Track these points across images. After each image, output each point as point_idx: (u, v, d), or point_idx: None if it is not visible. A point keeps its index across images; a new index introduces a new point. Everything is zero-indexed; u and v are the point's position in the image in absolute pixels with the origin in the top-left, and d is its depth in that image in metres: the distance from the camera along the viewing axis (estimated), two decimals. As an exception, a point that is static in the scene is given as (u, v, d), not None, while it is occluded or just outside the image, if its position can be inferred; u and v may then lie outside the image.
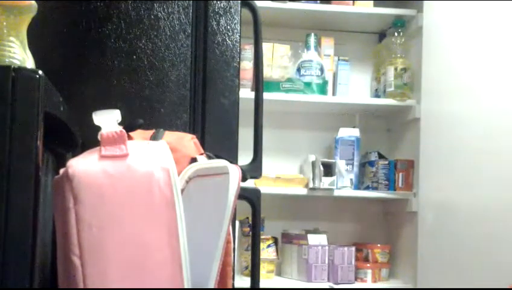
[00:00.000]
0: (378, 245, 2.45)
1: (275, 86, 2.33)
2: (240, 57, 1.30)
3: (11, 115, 0.71)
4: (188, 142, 1.00)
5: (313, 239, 2.30)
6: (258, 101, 1.34)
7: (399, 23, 2.45)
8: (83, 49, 1.23)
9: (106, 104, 0.96)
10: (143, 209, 0.77)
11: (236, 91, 1.28)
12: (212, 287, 0.83)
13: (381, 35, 2.59)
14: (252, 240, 1.30)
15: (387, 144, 2.62)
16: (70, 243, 0.74)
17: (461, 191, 1.99)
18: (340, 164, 2.38)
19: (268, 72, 2.35)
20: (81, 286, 0.74)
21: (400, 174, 2.37)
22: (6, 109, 0.71)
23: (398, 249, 2.48)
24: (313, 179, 2.32)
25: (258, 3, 1.36)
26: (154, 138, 0.96)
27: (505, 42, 1.81)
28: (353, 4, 2.42)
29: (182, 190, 0.89)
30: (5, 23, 0.81)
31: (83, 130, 1.01)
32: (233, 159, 1.12)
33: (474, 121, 1.94)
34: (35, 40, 0.88)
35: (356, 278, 2.35)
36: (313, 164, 2.33)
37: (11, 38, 0.81)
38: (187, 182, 0.91)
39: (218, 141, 1.26)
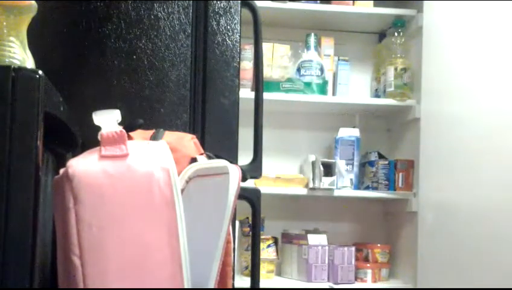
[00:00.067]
0: (378, 245, 2.45)
1: (275, 86, 2.33)
2: (239, 57, 1.30)
3: (11, 115, 0.71)
4: (188, 142, 1.00)
5: (313, 239, 2.30)
6: (258, 101, 1.34)
7: (399, 23, 2.45)
8: (83, 49, 1.23)
9: (106, 104, 0.96)
10: (143, 209, 0.77)
11: (236, 91, 1.28)
12: (212, 287, 0.83)
13: (381, 35, 2.59)
14: (252, 240, 1.30)
15: (387, 144, 2.62)
16: (70, 243, 0.74)
17: (461, 191, 1.99)
18: (340, 164, 2.38)
19: (268, 72, 2.35)
20: (81, 286, 0.74)
21: (400, 174, 2.37)
22: (6, 109, 0.71)
23: (398, 249, 2.48)
24: (313, 179, 2.32)
25: (258, 3, 1.36)
26: (154, 138, 0.96)
27: (505, 42, 1.81)
28: (353, 4, 2.42)
29: (182, 190, 0.89)
30: (5, 23, 0.81)
31: (83, 130, 1.01)
32: (233, 159, 1.12)
33: (474, 121, 1.94)
34: (35, 40, 0.88)
35: (356, 278, 2.35)
36: (313, 164, 2.33)
37: (11, 38, 0.81)
38: (187, 182, 0.91)
39: (218, 141, 1.26)
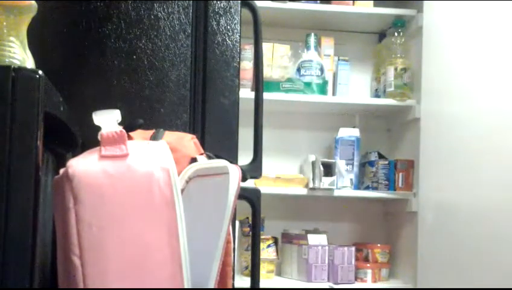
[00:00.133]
0: (378, 245, 2.45)
1: (275, 86, 2.33)
2: (240, 57, 1.30)
3: (11, 115, 0.71)
4: (188, 142, 1.00)
5: (313, 239, 2.30)
6: (258, 101, 1.34)
7: (399, 23, 2.45)
8: (83, 49, 1.23)
9: (106, 104, 0.96)
10: (143, 209, 0.77)
11: (236, 91, 1.28)
12: (212, 287, 0.83)
13: (381, 35, 2.59)
14: (252, 240, 1.30)
15: (387, 144, 2.62)
16: (70, 243, 0.74)
17: (461, 191, 1.99)
18: (340, 164, 2.38)
19: (268, 72, 2.35)
20: (81, 286, 0.74)
21: (400, 174, 2.37)
22: (6, 109, 0.71)
23: (398, 249, 2.48)
24: (313, 179, 2.32)
25: (258, 3, 1.36)
26: (154, 138, 0.96)
27: (505, 42, 1.81)
28: (353, 4, 2.42)
29: (182, 190, 0.89)
30: (5, 23, 0.81)
31: (83, 130, 1.01)
32: (233, 159, 1.12)
33: (474, 121, 1.94)
34: (35, 40, 0.88)
35: (356, 278, 2.35)
36: (313, 164, 2.33)
37: (11, 38, 0.81)
38: (187, 182, 0.91)
39: (218, 141, 1.26)
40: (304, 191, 2.34)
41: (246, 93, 2.02)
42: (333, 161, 2.37)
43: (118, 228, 0.75)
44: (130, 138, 0.84)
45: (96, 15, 1.24)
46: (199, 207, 0.88)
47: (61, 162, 0.88)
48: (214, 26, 1.29)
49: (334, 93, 2.47)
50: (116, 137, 0.79)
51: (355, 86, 2.58)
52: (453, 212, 2.04)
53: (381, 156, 2.48)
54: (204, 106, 1.27)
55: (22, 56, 0.81)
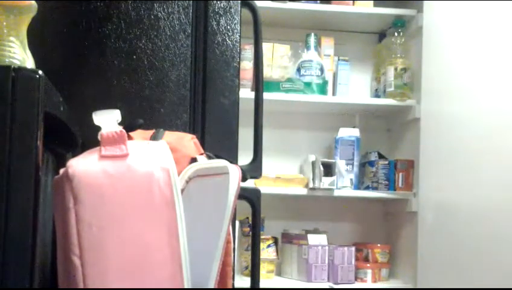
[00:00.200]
0: (378, 245, 2.45)
1: (275, 86, 2.33)
2: (240, 57, 1.30)
3: (11, 115, 0.71)
4: (188, 142, 1.00)
5: (313, 239, 2.30)
6: (258, 101, 1.34)
7: (399, 23, 2.45)
8: (83, 49, 1.23)
9: (106, 104, 0.96)
10: (143, 209, 0.77)
11: (236, 91, 1.28)
12: (212, 287, 0.83)
13: (381, 35, 2.59)
14: (252, 240, 1.30)
15: (387, 144, 2.62)
16: (70, 243, 0.74)
17: (461, 191, 1.99)
18: (340, 164, 2.38)
19: (268, 72, 2.35)
20: (81, 286, 0.74)
21: (400, 174, 2.37)
22: (6, 109, 0.71)
23: (398, 249, 2.48)
24: (313, 179, 2.32)
25: (258, 3, 1.36)
26: (154, 138, 0.96)
27: (505, 42, 1.81)
28: (353, 4, 2.42)
29: (182, 190, 0.89)
30: (5, 23, 0.81)
31: (83, 130, 1.01)
32: (233, 159, 1.12)
33: (474, 121, 1.94)
34: (35, 40, 0.88)
35: (356, 278, 2.35)
36: (313, 164, 2.33)
37: (11, 38, 0.81)
38: (187, 182, 0.91)
39: (218, 141, 1.26)
40: (304, 191, 2.34)
41: (246, 93, 2.02)
42: (333, 161, 2.37)
43: (118, 228, 0.75)
44: (130, 138, 0.84)
45: (96, 15, 1.24)
46: (199, 207, 0.88)
47: (61, 162, 0.88)
48: (214, 26, 1.29)
49: (334, 93, 2.47)
50: (116, 137, 0.79)
51: (355, 86, 2.58)
52: (453, 212, 2.04)
53: (381, 156, 2.48)
54: (204, 106, 1.27)
55: (22, 56, 0.81)
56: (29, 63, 0.83)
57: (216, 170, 0.89)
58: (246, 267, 2.31)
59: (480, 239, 1.85)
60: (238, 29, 1.30)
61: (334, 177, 2.32)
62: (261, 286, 1.31)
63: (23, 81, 0.72)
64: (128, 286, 0.75)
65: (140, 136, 0.93)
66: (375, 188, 2.39)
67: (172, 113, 1.24)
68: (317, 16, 2.42)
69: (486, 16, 1.93)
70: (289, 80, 2.37)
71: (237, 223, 2.10)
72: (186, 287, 0.78)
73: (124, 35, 1.24)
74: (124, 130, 0.80)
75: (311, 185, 2.32)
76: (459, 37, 2.08)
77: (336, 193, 2.33)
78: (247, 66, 2.30)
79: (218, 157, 0.97)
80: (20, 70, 0.72)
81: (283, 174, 2.38)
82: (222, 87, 1.27)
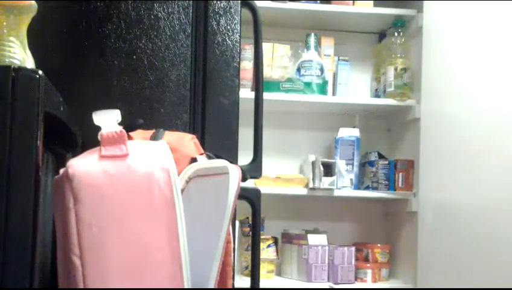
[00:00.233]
0: (378, 245, 2.45)
1: (275, 86, 2.33)
2: (240, 57, 1.30)
3: (11, 115, 0.71)
4: (188, 142, 1.00)
5: (313, 239, 2.30)
6: (258, 101, 1.34)
7: (399, 23, 2.45)
8: (83, 49, 1.23)
9: (106, 104, 0.96)
10: (143, 209, 0.77)
11: (236, 91, 1.28)
12: (212, 287, 0.83)
13: (381, 35, 2.59)
14: (252, 240, 1.30)
15: (387, 144, 2.62)
16: (70, 243, 0.74)
17: (461, 191, 1.99)
18: (340, 164, 2.38)
19: (268, 72, 2.35)
20: (81, 286, 0.74)
21: (400, 174, 2.37)
22: (6, 109, 0.71)
23: (398, 249, 2.48)
24: (313, 179, 2.32)
25: (258, 3, 1.36)
26: (154, 138, 0.96)
27: (505, 42, 1.81)
28: (353, 4, 2.42)
29: (182, 190, 0.89)
30: (5, 23, 0.81)
31: (83, 130, 1.01)
32: (233, 159, 1.12)
33: (474, 121, 1.94)
34: (35, 40, 0.88)
35: (356, 278, 2.35)
36: (313, 164, 2.33)
37: (11, 38, 0.81)
38: (187, 182, 0.91)
39: (218, 141, 1.26)
40: (304, 191, 2.34)
41: (246, 93, 2.02)
42: (333, 161, 2.37)
43: (118, 228, 0.75)
44: (130, 138, 0.84)
45: (96, 15, 1.24)
46: (199, 207, 0.88)
47: (61, 162, 0.88)
48: (214, 26, 1.29)
49: (334, 93, 2.47)
50: (116, 137, 0.79)
51: (355, 86, 2.58)
52: (453, 212, 2.04)
53: (381, 156, 2.48)
54: (204, 106, 1.27)
55: (22, 56, 0.81)
56: (29, 63, 0.83)
57: (216, 170, 0.89)
58: (246, 267, 2.31)
59: (480, 239, 1.85)
60: (238, 29, 1.30)
61: (334, 177, 2.32)
62: (261, 286, 1.31)
63: (23, 81, 0.72)
64: (128, 286, 0.75)
65: (140, 136, 0.93)
66: (375, 188, 2.39)
67: (172, 113, 1.24)
68: (317, 16, 2.42)
69: (486, 15, 1.93)
70: (289, 80, 2.37)
71: (237, 223, 2.10)
72: (186, 287, 0.78)
73: (124, 35, 1.24)
74: (124, 130, 0.80)
75: (311, 185, 2.32)
76: (459, 37, 2.08)
77: (336, 193, 2.33)
78: (247, 66, 2.30)
79: (218, 157, 0.97)
80: (20, 70, 0.72)
81: (283, 174, 2.38)
82: (222, 87, 1.27)
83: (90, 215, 0.75)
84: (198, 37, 1.28)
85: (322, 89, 2.38)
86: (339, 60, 2.50)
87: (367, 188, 2.43)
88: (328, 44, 2.47)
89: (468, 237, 1.92)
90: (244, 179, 0.97)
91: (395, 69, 2.39)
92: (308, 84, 2.36)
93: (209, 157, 0.98)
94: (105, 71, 1.23)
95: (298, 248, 2.34)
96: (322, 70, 2.39)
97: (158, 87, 1.24)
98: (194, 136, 1.04)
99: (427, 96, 2.31)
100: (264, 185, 2.19)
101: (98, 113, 0.81)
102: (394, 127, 2.60)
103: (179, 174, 0.83)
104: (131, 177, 0.77)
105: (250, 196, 1.27)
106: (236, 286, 1.70)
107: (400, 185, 2.37)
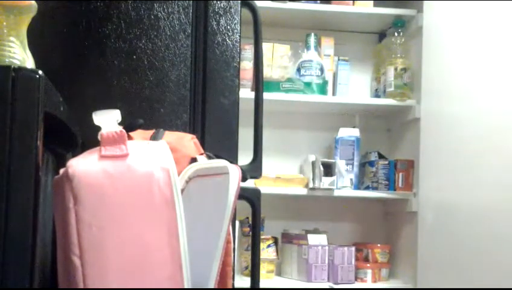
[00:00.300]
0: (378, 245, 2.45)
1: (275, 86, 2.33)
2: (240, 57, 1.30)
3: (11, 115, 0.71)
4: (188, 142, 1.00)
5: (313, 239, 2.30)
6: (258, 101, 1.34)
7: (399, 23, 2.45)
8: (83, 49, 1.23)
9: (106, 104, 0.96)
10: (143, 209, 0.77)
11: (236, 91, 1.28)
12: (212, 287, 0.83)
13: (381, 35, 2.59)
14: (252, 240, 1.30)
15: (387, 144, 2.62)
16: (70, 243, 0.74)
17: (461, 191, 1.99)
18: (340, 164, 2.38)
19: (268, 72, 2.35)
20: (81, 286, 0.74)
21: (400, 174, 2.37)
22: (6, 109, 0.71)
23: (398, 249, 2.48)
24: (313, 179, 2.32)
25: (258, 3, 1.36)
26: (154, 138, 0.96)
27: (505, 42, 1.81)
28: (353, 4, 2.42)
29: (182, 190, 0.89)
30: (5, 23, 0.81)
31: (83, 130, 1.01)
32: (233, 159, 1.12)
33: (474, 121, 1.94)
34: (35, 40, 0.88)
35: (356, 278, 2.35)
36: (313, 164, 2.33)
37: (11, 38, 0.81)
38: (187, 182, 0.91)
39: (218, 141, 1.26)
40: (304, 191, 2.34)
41: (246, 93, 2.02)
42: (333, 161, 2.37)
43: (118, 228, 0.75)
44: (130, 138, 0.84)
45: (96, 15, 1.24)
46: (199, 207, 0.88)
47: (61, 162, 0.88)
48: (214, 26, 1.29)
49: (334, 93, 2.47)
50: (116, 137, 0.79)
51: (355, 86, 2.58)
52: (453, 212, 2.04)
53: (381, 156, 2.48)
54: (204, 106, 1.27)
55: (22, 56, 0.81)
56: (29, 63, 0.83)
57: (216, 170, 0.89)
58: (246, 267, 2.31)
59: (480, 239, 1.85)
60: (238, 29, 1.30)
61: (334, 177, 2.32)
62: (261, 286, 1.31)
63: (23, 81, 0.72)
64: (128, 286, 0.75)
65: (140, 136, 0.93)
66: (375, 188, 2.39)
67: (172, 113, 1.24)
68: (317, 16, 2.42)
69: (486, 16, 1.93)
70: (289, 80, 2.37)
71: (237, 223, 2.10)
72: (186, 287, 0.78)
73: (124, 35, 1.24)
74: (124, 130, 0.80)
75: (311, 185, 2.32)
76: (459, 37, 2.08)
77: (336, 193, 2.33)
78: (247, 66, 2.30)
79: (218, 157, 0.97)
80: (20, 70, 0.72)
81: (283, 174, 2.38)
82: (222, 87, 1.28)
83: (90, 215, 0.75)
84: (198, 37, 1.28)
85: (322, 89, 2.38)
86: (339, 60, 2.50)
87: (367, 188, 2.43)
88: (328, 44, 2.47)
89: (468, 237, 1.92)
90: (244, 179, 0.97)
91: (395, 69, 2.39)
92: (308, 84, 2.36)
93: (209, 157, 0.98)
94: (105, 71, 1.23)
95: (298, 248, 2.34)
96: (322, 70, 2.39)
97: (158, 87, 1.24)
98: (194, 136, 1.04)
99: (427, 96, 2.31)
100: (264, 185, 2.19)
101: (98, 113, 0.81)
102: (394, 127, 2.60)
103: (179, 174, 0.83)
104: (131, 177, 0.77)
105: (250, 196, 1.27)
106: (236, 286, 1.70)
107: (400, 185, 2.37)
